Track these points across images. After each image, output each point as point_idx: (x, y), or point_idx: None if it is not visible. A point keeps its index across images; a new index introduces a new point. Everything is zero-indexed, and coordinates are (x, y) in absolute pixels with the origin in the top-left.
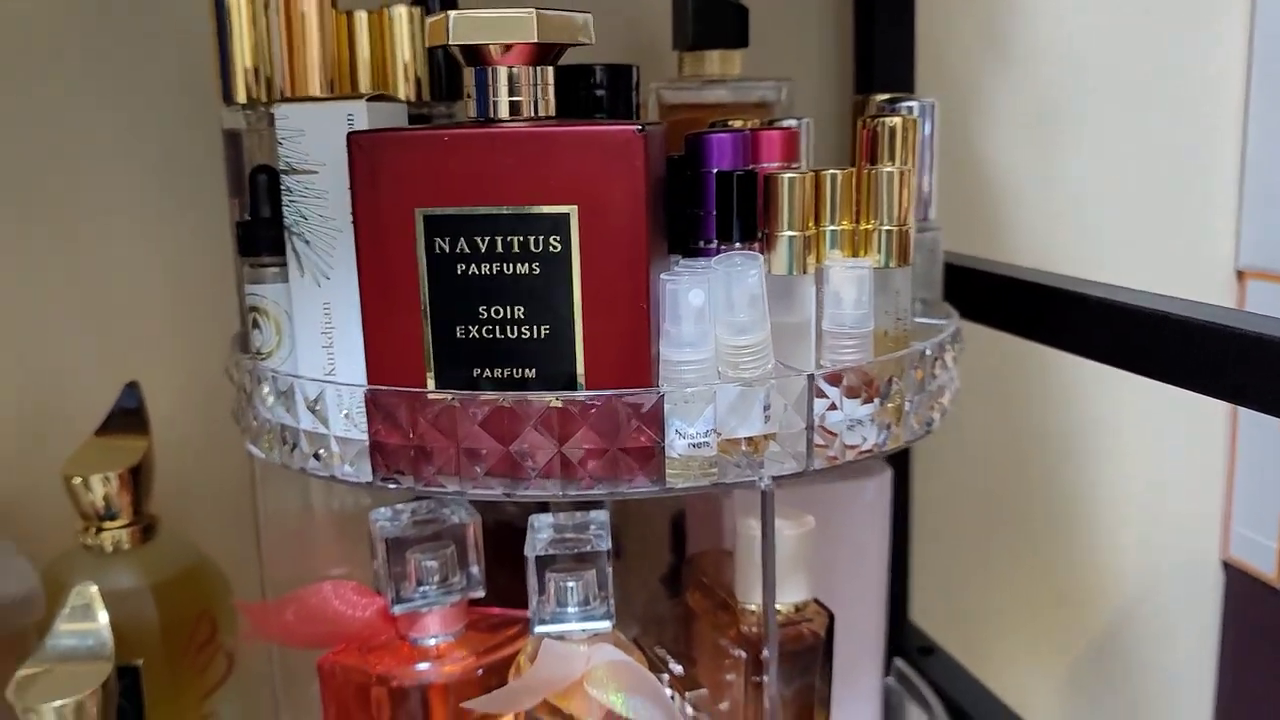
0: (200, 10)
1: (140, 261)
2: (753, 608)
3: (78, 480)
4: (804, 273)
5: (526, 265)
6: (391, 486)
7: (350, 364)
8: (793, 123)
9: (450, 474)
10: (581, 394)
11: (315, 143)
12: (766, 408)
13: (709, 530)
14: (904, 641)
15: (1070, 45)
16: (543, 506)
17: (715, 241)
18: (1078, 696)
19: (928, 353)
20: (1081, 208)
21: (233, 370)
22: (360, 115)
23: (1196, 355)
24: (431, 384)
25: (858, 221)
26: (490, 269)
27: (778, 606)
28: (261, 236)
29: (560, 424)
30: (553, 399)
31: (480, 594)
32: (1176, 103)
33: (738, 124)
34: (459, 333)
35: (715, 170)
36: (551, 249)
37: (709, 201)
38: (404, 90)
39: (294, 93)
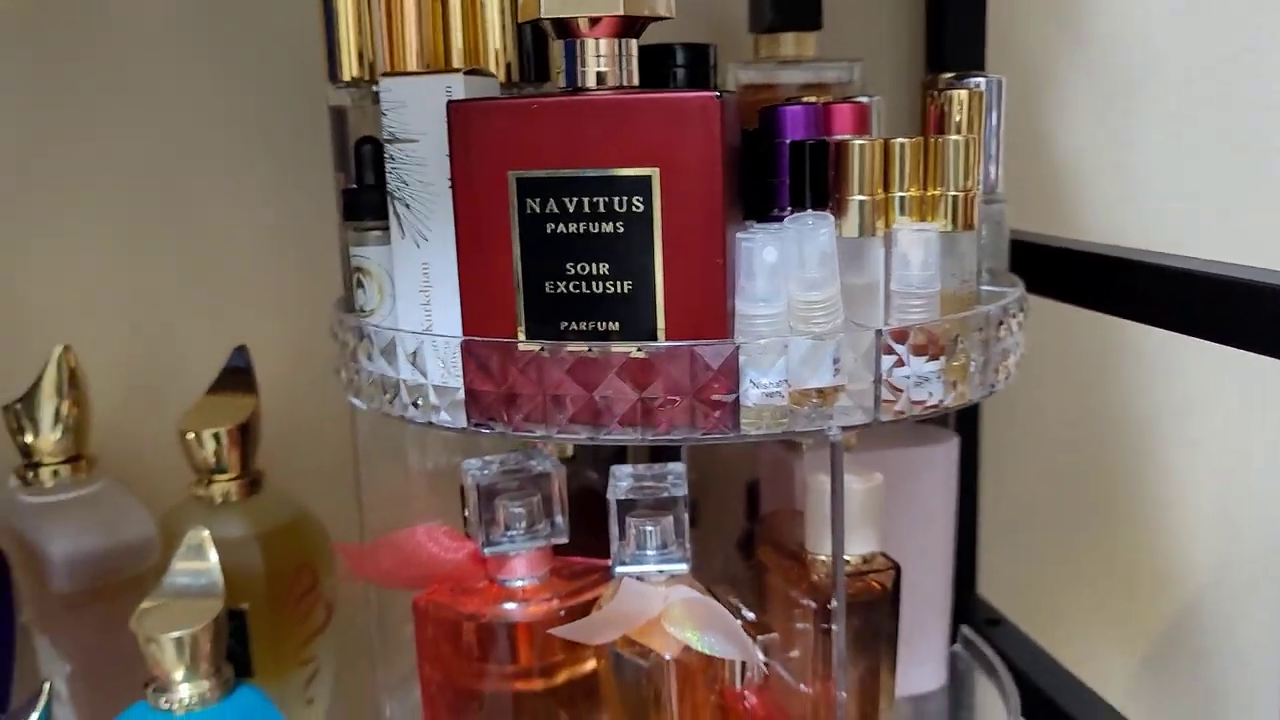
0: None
1: (248, 231)
2: (822, 558)
3: (191, 435)
4: (873, 235)
5: (611, 224)
6: (484, 431)
7: (446, 319)
8: (864, 99)
9: (538, 420)
10: (661, 344)
11: (416, 113)
12: (836, 361)
13: (780, 492)
14: (971, 613)
15: (1143, 26)
16: (622, 458)
17: (789, 208)
18: (1147, 674)
19: (991, 313)
20: (1151, 190)
21: (337, 328)
22: (458, 87)
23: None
24: (522, 336)
25: (925, 188)
26: (577, 228)
27: (846, 558)
28: (365, 202)
29: (640, 373)
30: (634, 349)
31: (564, 540)
32: (1248, 85)
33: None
34: (548, 288)
35: (789, 140)
36: (634, 209)
37: (782, 170)
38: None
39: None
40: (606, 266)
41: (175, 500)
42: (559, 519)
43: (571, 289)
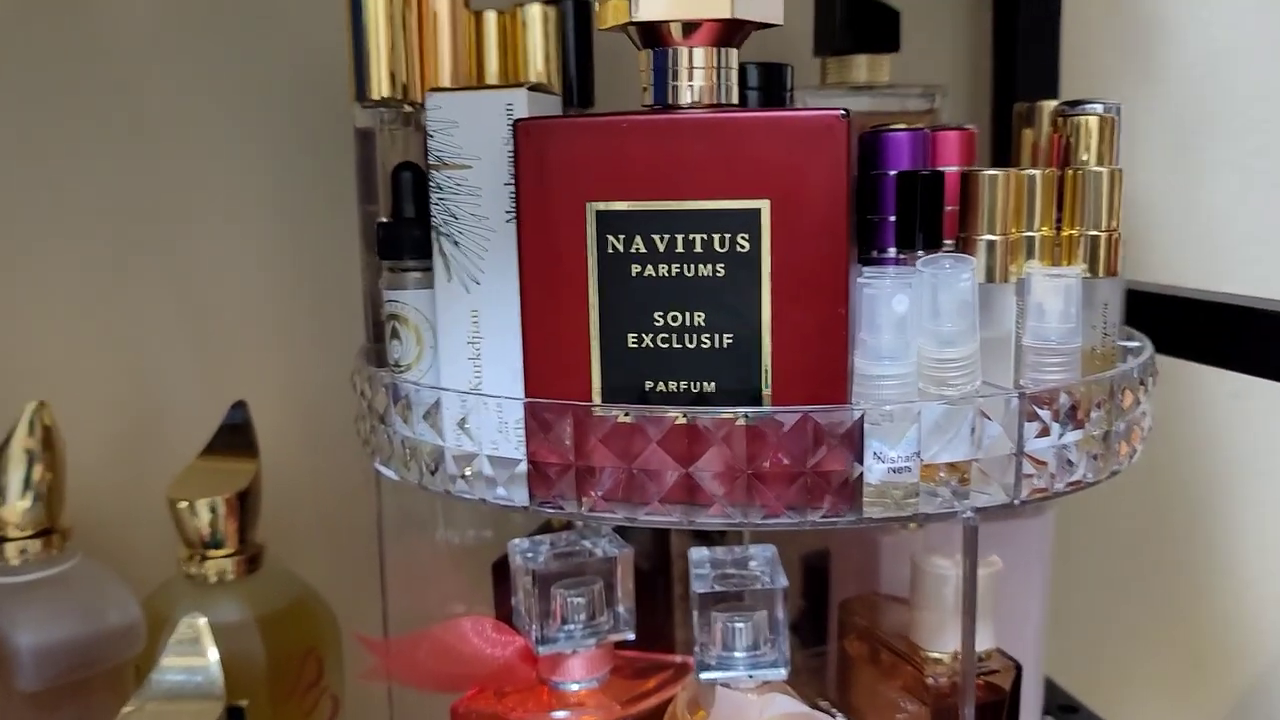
0: (309, 8)
1: (249, 271)
2: (937, 655)
3: (183, 505)
4: (1004, 282)
5: (710, 266)
6: (549, 512)
7: (499, 377)
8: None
9: (618, 499)
10: (776, 410)
11: (470, 135)
12: (972, 430)
13: (860, 571)
14: (1045, 699)
15: (1218, 60)
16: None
17: (894, 250)
18: None
19: (1134, 373)
20: (1220, 229)
21: (363, 384)
22: (520, 105)
23: None
24: (597, 397)
25: (1059, 228)
26: (669, 270)
27: (940, 655)
28: (404, 238)
29: (748, 443)
30: (741, 415)
31: (630, 636)
32: None
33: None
34: (630, 341)
35: (895, 172)
36: (739, 248)
37: (885, 205)
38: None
39: (421, 95)
40: (703, 316)
41: (161, 579)
42: (622, 609)
43: (659, 342)
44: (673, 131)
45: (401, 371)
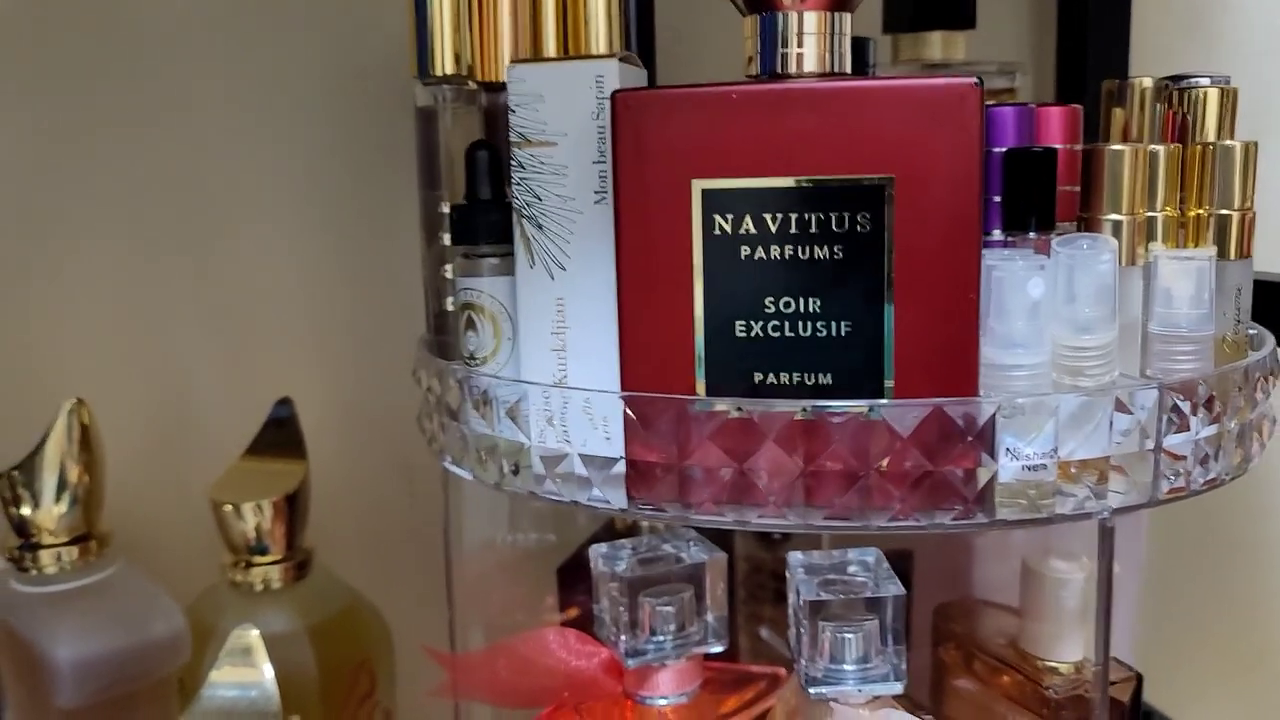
0: None
1: (279, 271)
2: (1056, 665)
3: (228, 508)
4: (1133, 264)
5: (827, 249)
6: (648, 514)
7: (586, 369)
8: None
9: (726, 500)
10: (906, 403)
11: (556, 109)
12: (1111, 424)
13: (946, 574)
14: None
15: (1278, 38)
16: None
17: (1002, 232)
18: None
19: (1265, 362)
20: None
21: (430, 379)
22: (611, 76)
23: None
24: (702, 390)
25: (1183, 207)
26: (781, 253)
27: (1057, 665)
28: (481, 221)
29: (873, 440)
30: (867, 409)
31: (722, 647)
32: None
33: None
34: (739, 330)
35: (1004, 149)
36: (859, 228)
37: (991, 185)
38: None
39: (482, 74)
40: (818, 303)
41: (202, 586)
42: (713, 620)
43: (770, 331)
44: (788, 102)
45: (478, 364)
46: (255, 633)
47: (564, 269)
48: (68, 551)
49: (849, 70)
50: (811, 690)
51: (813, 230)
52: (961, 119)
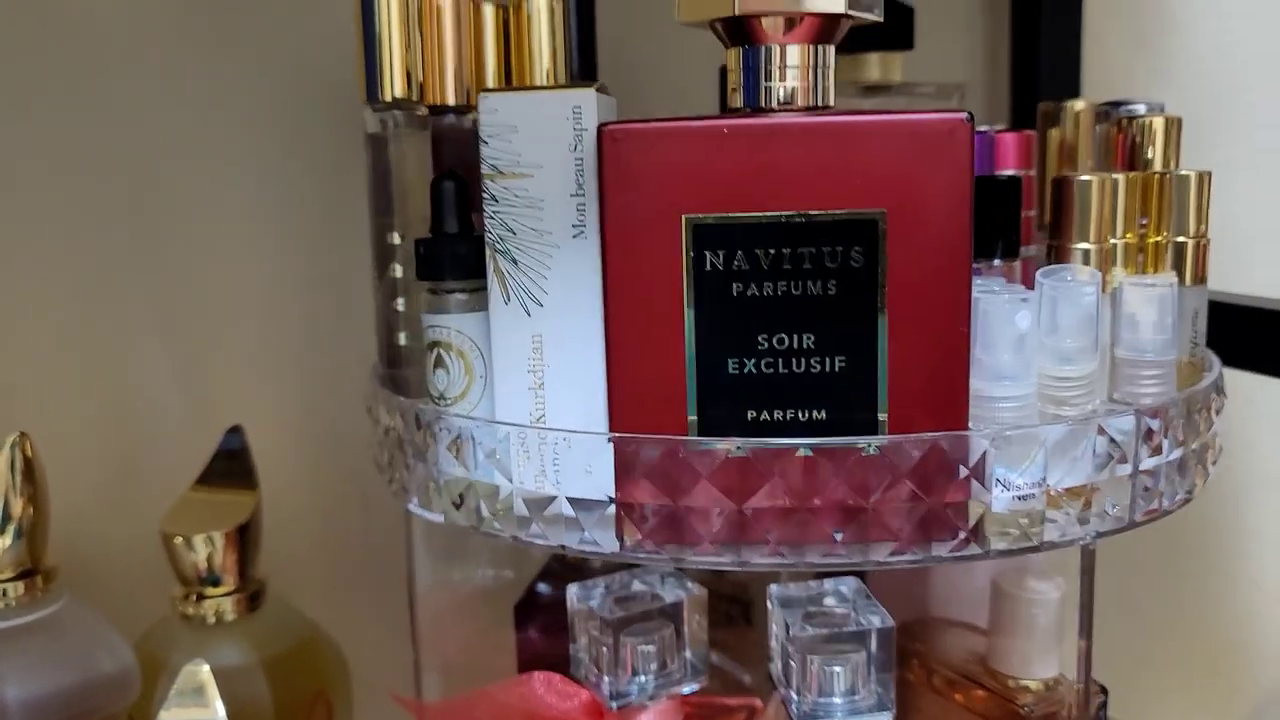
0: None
1: (232, 293)
2: (1029, 683)
3: (179, 539)
4: (1104, 292)
5: (820, 283)
6: (642, 558)
7: (565, 408)
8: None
9: (722, 541)
10: (906, 437)
11: (531, 141)
12: (1094, 451)
13: (901, 595)
14: None
15: (1227, 57)
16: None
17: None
18: None
19: (1217, 384)
20: (1238, 228)
21: (392, 419)
22: (589, 107)
23: None
24: (694, 430)
25: (1143, 234)
26: (774, 289)
27: (1029, 683)
28: (449, 255)
29: (871, 476)
30: (868, 445)
31: (702, 683)
32: None
33: None
34: (731, 367)
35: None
36: (853, 263)
37: None
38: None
39: (429, 97)
40: (812, 339)
41: (152, 619)
42: (691, 657)
43: (764, 367)
44: (780, 136)
45: (448, 404)
46: (206, 669)
47: (541, 305)
48: (13, 587)
49: (832, 102)
50: None
51: (806, 265)
52: (953, 152)
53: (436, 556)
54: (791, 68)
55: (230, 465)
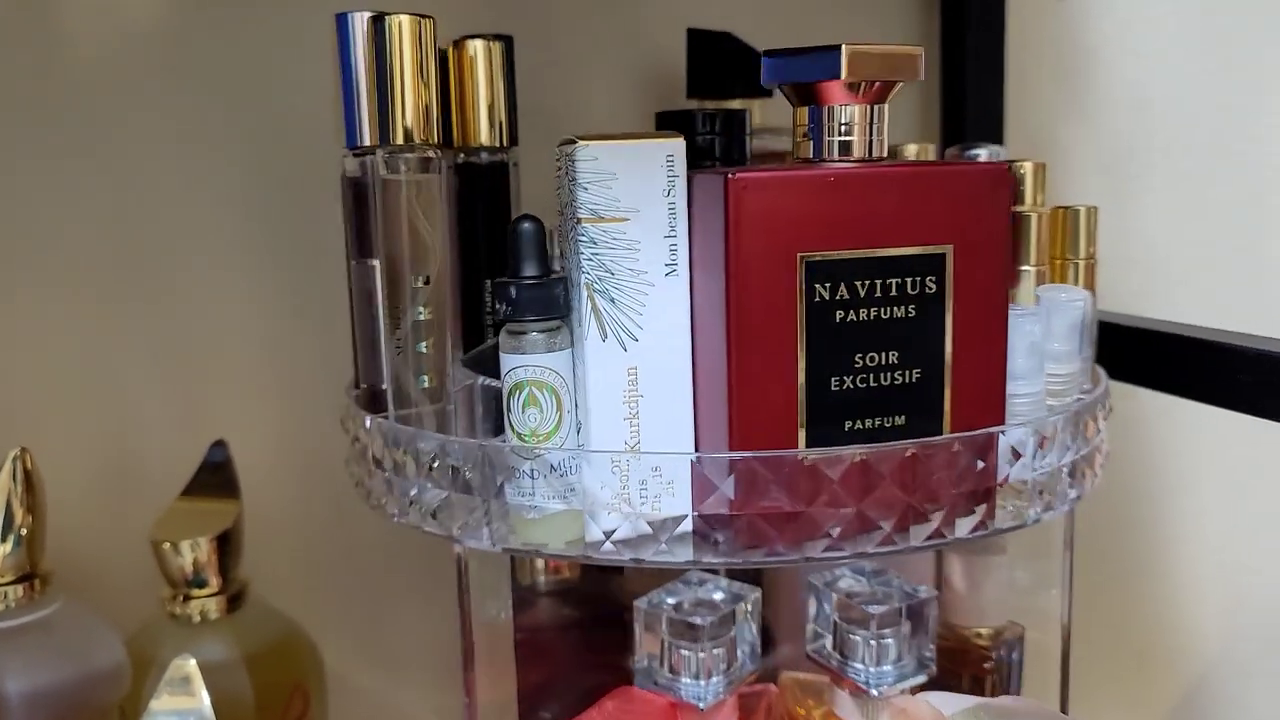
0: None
1: (232, 313)
2: (983, 631)
3: (167, 546)
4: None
5: (904, 308)
6: (772, 562)
7: (659, 435)
8: None
9: (846, 536)
10: (975, 434)
11: (629, 187)
12: (1073, 439)
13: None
14: None
15: (1145, 93)
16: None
17: None
18: None
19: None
20: (1159, 256)
21: (496, 464)
22: (679, 155)
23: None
24: (804, 443)
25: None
26: (868, 314)
27: (982, 630)
28: (540, 297)
29: (960, 468)
30: (955, 442)
31: (755, 676)
32: (1252, 151)
33: None
34: (833, 384)
35: None
36: (928, 290)
37: None
38: (488, 135)
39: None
40: (896, 355)
41: (143, 619)
42: (746, 652)
43: (858, 383)
44: (875, 183)
45: (540, 440)
46: (193, 662)
47: (636, 339)
48: (12, 590)
49: (886, 154)
50: (873, 691)
51: (893, 293)
52: (999, 195)
53: (481, 595)
54: (856, 124)
55: (214, 477)
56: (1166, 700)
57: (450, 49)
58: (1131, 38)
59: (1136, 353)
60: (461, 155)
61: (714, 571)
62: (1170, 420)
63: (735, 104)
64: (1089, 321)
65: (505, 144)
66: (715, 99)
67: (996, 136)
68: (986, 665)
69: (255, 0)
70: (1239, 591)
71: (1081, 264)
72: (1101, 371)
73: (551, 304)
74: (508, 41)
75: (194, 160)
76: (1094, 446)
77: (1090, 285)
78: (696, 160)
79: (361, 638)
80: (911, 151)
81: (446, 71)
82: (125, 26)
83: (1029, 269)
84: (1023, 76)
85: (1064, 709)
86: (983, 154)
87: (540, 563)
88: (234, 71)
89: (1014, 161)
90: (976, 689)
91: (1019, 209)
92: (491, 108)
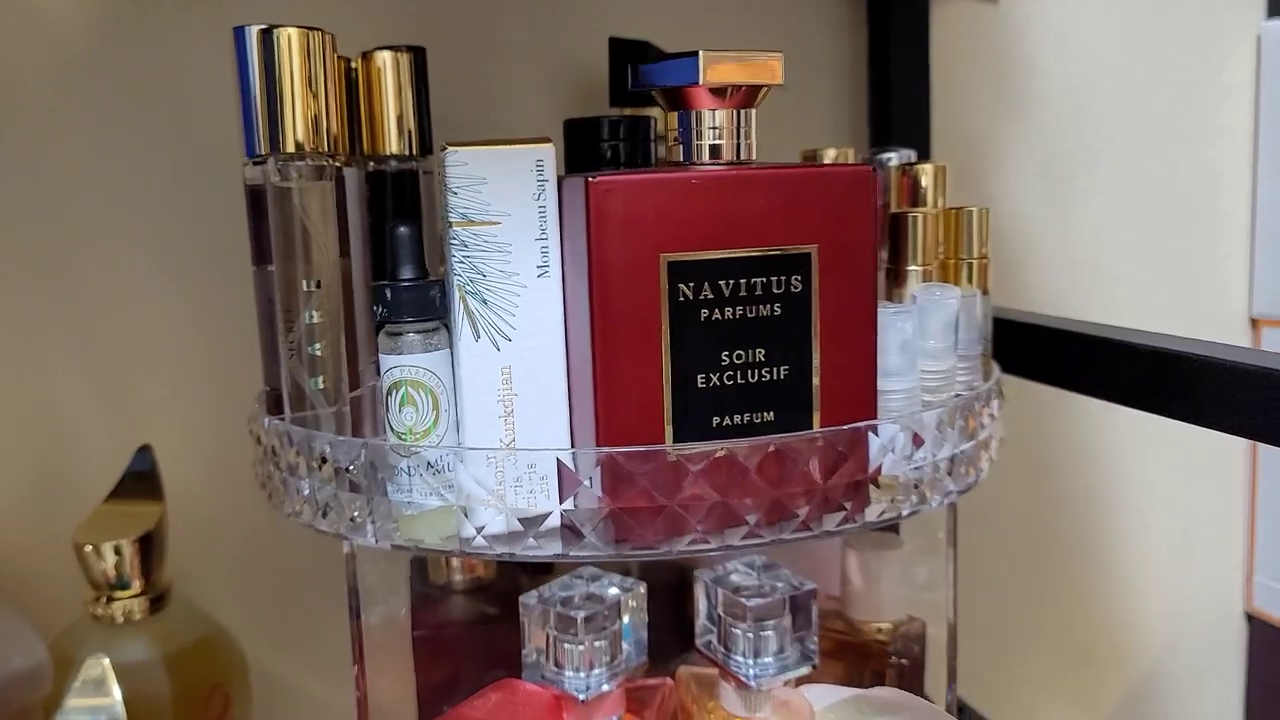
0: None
1: (155, 319)
2: (880, 626)
3: (89, 548)
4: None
5: (769, 307)
6: (644, 555)
7: (535, 433)
8: None
9: (713, 530)
10: (855, 425)
11: (499, 192)
12: (957, 431)
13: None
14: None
15: (1079, 96)
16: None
17: None
18: None
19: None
20: (1096, 257)
21: (372, 462)
22: (549, 160)
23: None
24: (669, 439)
25: (944, 256)
26: (734, 313)
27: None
28: (415, 299)
29: (827, 462)
30: (819, 437)
31: (641, 669)
32: (1185, 154)
33: None
34: (699, 381)
35: None
36: (793, 289)
37: None
38: (397, 144)
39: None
40: (763, 352)
41: (69, 621)
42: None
43: (725, 380)
44: (738, 185)
45: (417, 438)
46: (106, 662)
47: (509, 340)
48: None
49: (754, 157)
50: (754, 684)
51: (758, 292)
52: (864, 196)
53: (374, 592)
54: (721, 129)
55: (139, 481)
56: (1112, 698)
57: (359, 60)
58: (1065, 42)
59: (1030, 349)
60: (371, 164)
61: (625, 570)
62: (1115, 420)
63: (655, 112)
64: (980, 318)
65: (416, 153)
66: (636, 107)
67: (923, 140)
68: (890, 660)
69: (173, 10)
70: (1185, 590)
71: (975, 263)
72: (995, 366)
73: (427, 305)
74: (419, 52)
75: (115, 169)
76: (979, 441)
77: (983, 284)
78: (599, 166)
79: (290, 638)
80: (830, 155)
81: (355, 82)
82: (44, 39)
83: (915, 269)
84: (951, 80)
85: (951, 704)
86: (894, 157)
87: (455, 561)
88: (152, 81)
89: (911, 164)
90: (878, 683)
91: (904, 210)
92: (401, 117)
